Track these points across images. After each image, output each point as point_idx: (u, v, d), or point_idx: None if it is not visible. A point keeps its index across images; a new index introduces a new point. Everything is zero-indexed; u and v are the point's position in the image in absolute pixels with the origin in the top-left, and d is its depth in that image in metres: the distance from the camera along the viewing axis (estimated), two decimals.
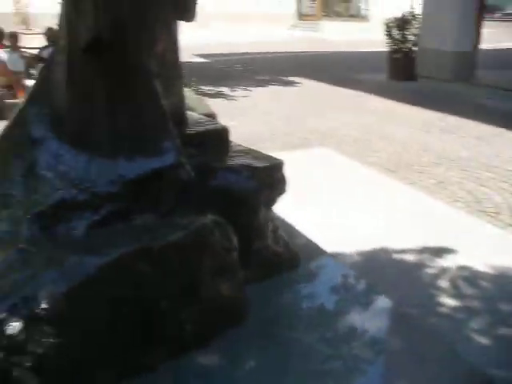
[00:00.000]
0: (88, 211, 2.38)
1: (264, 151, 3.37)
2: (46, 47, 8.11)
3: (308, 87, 11.48)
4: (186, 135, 2.93)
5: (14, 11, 15.19)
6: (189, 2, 2.98)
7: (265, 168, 2.99)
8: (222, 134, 3.11)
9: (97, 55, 2.48)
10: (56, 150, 2.55)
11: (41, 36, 9.20)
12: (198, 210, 2.56)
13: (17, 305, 1.87)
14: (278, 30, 24.63)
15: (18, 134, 2.64)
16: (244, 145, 3.41)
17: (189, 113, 3.30)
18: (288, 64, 15.06)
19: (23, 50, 8.34)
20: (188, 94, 4.20)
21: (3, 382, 1.82)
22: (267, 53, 17.43)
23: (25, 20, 14.27)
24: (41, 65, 6.54)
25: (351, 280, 3.36)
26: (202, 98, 4.15)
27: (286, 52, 17.87)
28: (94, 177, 2.46)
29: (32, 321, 1.88)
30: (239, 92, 10.57)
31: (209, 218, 2.48)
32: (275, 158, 3.14)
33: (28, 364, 1.86)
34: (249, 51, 17.51)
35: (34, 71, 7.59)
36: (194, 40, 19.99)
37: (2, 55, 7.80)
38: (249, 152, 3.21)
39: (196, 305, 2.37)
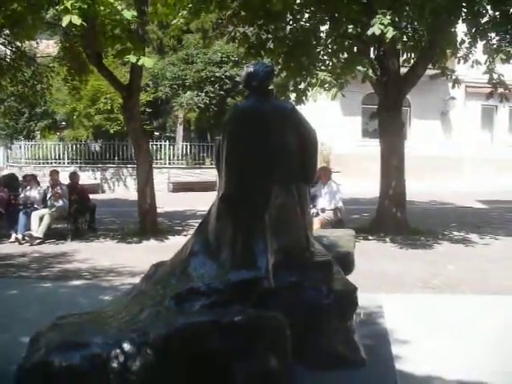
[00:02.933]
0: (204, 297, 3.94)
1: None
2: None
3: None
4: (298, 263, 4.39)
5: None
6: (310, 174, 4.54)
7: (340, 290, 4.23)
8: (324, 266, 4.44)
9: (227, 204, 4.21)
10: (202, 260, 4.26)
11: None
12: (273, 309, 3.94)
13: (133, 338, 3.51)
14: None
15: (188, 247, 4.46)
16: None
17: (319, 248, 4.74)
18: None
19: None
20: (342, 235, 5.63)
21: None
22: None
23: None
24: None
25: None
26: (353, 240, 5.52)
27: None
28: (215, 278, 4.08)
29: (143, 346, 3.51)
30: (485, 240, 11.01)
31: (270, 313, 3.82)
32: (353, 285, 4.33)
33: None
34: None
35: None
36: (493, 186, 20.38)
37: None
38: (342, 279, 4.46)
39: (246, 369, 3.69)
